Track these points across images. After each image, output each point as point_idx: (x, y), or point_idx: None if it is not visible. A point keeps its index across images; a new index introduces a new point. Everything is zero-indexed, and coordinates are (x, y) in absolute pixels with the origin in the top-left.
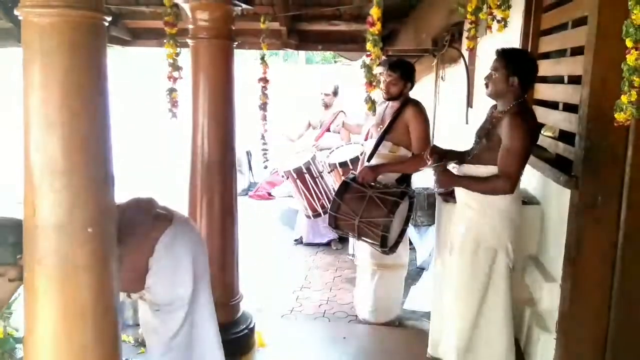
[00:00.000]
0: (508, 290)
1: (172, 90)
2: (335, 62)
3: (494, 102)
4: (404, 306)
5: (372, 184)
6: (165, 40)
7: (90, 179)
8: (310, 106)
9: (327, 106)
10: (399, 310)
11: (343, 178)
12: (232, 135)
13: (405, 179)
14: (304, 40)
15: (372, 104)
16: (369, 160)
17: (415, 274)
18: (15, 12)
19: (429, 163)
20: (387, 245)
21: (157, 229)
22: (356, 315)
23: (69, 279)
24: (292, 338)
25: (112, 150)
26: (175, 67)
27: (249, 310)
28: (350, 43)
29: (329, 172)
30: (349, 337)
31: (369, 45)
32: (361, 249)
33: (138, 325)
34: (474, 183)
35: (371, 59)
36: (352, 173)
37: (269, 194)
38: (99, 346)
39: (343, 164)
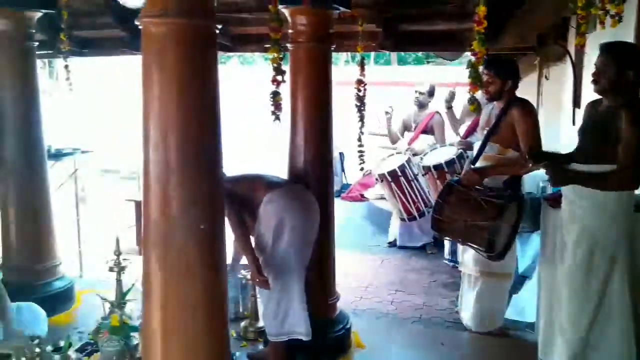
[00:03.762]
0: (627, 297)
1: (275, 94)
2: (428, 62)
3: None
4: (505, 315)
5: (478, 187)
6: (266, 45)
7: (203, 177)
8: (403, 108)
9: (421, 106)
10: (502, 319)
11: (447, 180)
12: (329, 137)
13: (514, 182)
14: (400, 41)
15: (476, 104)
16: (474, 162)
17: (516, 282)
18: (136, 22)
19: (530, 165)
20: (493, 250)
21: (263, 194)
22: (453, 321)
23: (183, 272)
24: (388, 341)
25: (222, 150)
26: (279, 71)
27: (345, 311)
28: (449, 43)
29: (423, 175)
30: (448, 344)
31: (475, 45)
32: (465, 255)
33: (239, 318)
34: (593, 179)
35: (477, 58)
36: (456, 175)
37: (362, 196)
38: (210, 337)
39: (437, 167)
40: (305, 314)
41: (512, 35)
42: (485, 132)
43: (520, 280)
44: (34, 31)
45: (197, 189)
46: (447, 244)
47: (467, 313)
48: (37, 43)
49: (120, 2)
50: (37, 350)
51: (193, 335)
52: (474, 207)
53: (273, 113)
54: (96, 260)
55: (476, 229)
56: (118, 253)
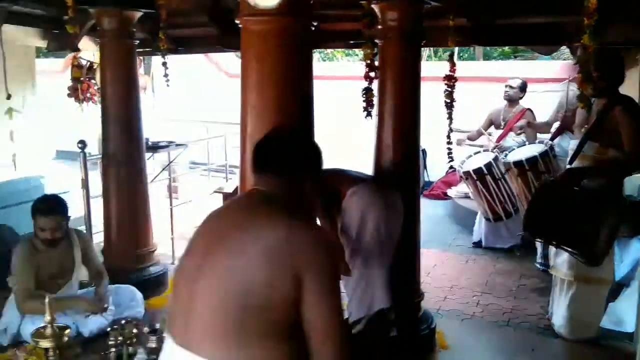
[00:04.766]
0: None
1: (368, 90)
2: (515, 57)
3: None
4: (600, 324)
5: (575, 188)
6: (351, 42)
7: None
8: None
9: (511, 100)
10: (597, 328)
11: (528, 178)
12: (417, 135)
13: (614, 184)
14: (492, 36)
15: (587, 101)
16: (571, 162)
17: (613, 290)
18: (236, 21)
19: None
20: (590, 254)
21: (347, 187)
22: (544, 327)
23: None
24: (474, 343)
25: None
26: (372, 67)
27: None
28: (544, 37)
29: (504, 172)
30: (538, 350)
31: (585, 38)
32: (559, 258)
33: None
34: None
35: (588, 53)
36: (550, 176)
37: (445, 194)
38: None
39: (518, 164)
40: (387, 288)
41: (619, 29)
42: (583, 130)
43: (617, 288)
44: (134, 30)
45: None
46: (539, 246)
47: (559, 319)
48: (137, 41)
49: (251, 3)
50: (135, 330)
51: None
52: (571, 209)
53: (365, 109)
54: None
55: (572, 231)
56: None
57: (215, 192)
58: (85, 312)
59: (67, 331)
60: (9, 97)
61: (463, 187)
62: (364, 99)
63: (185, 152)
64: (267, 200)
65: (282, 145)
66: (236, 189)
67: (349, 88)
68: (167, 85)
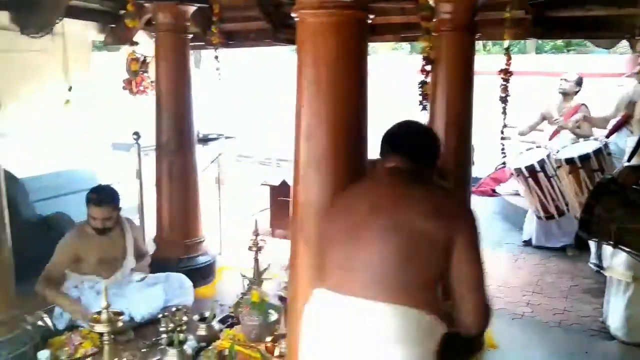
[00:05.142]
0: None
1: (423, 83)
2: (568, 51)
3: None
4: None
5: (635, 186)
6: (402, 35)
7: (350, 164)
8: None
9: (565, 94)
10: None
11: (580, 176)
12: (469, 130)
13: None
14: (550, 28)
15: None
16: (629, 159)
17: None
18: (292, 14)
19: None
20: None
21: None
22: (599, 330)
23: None
24: (524, 344)
25: (367, 138)
26: (429, 60)
27: None
28: (604, 30)
29: (556, 169)
30: (592, 353)
31: None
32: (615, 258)
33: None
34: None
35: None
36: (608, 174)
37: (493, 191)
38: None
39: (569, 161)
40: None
41: None
42: None
43: None
44: (188, 24)
45: (344, 176)
46: (593, 246)
47: (615, 321)
48: (190, 35)
49: None
50: (185, 318)
51: None
52: (631, 208)
53: (420, 103)
54: (233, 239)
55: (632, 231)
56: (256, 234)
57: (263, 184)
58: (74, 318)
59: (122, 317)
60: (70, 88)
61: (513, 184)
62: (420, 92)
63: (232, 144)
64: (412, 173)
65: (414, 133)
66: (283, 182)
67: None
68: (219, 79)
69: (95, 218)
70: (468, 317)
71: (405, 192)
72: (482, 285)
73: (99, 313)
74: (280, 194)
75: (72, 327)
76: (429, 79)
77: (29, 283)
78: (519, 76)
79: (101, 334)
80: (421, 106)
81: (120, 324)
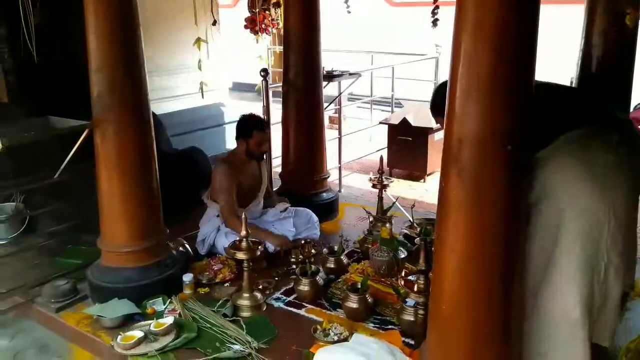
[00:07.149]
0: None
1: None
2: None
3: None
4: None
5: None
6: None
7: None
8: None
9: None
10: None
11: None
12: None
13: None
14: None
15: None
16: None
17: None
18: None
19: None
20: None
21: None
22: None
23: (483, 190)
24: None
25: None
26: None
27: None
28: None
29: None
30: None
31: None
32: None
33: None
34: None
35: None
36: None
37: None
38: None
39: None
40: None
41: None
42: None
43: None
44: None
45: (506, 108)
46: None
47: None
48: None
49: None
50: (313, 251)
51: (482, 256)
52: None
53: None
54: (353, 176)
55: None
56: (381, 172)
57: (381, 122)
58: (275, 246)
59: (260, 247)
60: (214, 22)
61: None
62: None
63: (357, 81)
64: None
65: None
66: (403, 120)
67: None
68: (348, 12)
69: (262, 142)
70: None
71: None
72: None
73: (239, 241)
74: (400, 132)
75: (211, 253)
76: None
77: (171, 212)
78: None
79: (240, 261)
80: None
81: (258, 252)
